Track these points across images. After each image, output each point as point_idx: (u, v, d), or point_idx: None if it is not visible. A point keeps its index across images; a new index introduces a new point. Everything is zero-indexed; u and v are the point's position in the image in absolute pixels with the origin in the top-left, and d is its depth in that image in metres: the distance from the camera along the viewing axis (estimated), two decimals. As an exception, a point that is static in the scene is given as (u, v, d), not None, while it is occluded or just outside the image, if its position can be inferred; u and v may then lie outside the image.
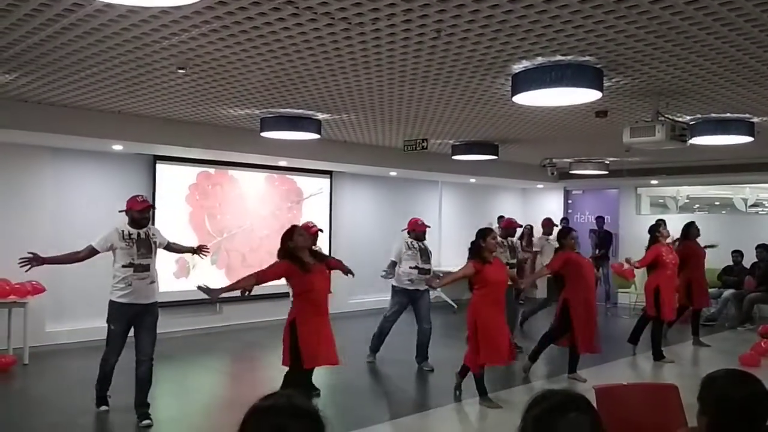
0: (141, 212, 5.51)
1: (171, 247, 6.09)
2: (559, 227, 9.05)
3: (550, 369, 7.45)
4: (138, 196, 5.70)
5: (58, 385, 6.71)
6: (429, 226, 7.85)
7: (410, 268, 7.50)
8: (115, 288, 5.46)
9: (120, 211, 5.63)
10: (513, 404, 5.81)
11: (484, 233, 6.06)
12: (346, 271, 5.94)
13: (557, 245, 7.42)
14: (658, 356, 8.06)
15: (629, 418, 3.26)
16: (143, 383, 5.49)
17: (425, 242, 7.72)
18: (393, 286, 7.72)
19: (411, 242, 7.62)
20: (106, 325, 5.56)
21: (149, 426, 5.35)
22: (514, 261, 8.53)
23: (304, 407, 1.58)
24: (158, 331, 5.66)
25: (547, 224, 10.65)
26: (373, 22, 3.94)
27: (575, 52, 4.57)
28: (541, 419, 1.66)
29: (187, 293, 9.61)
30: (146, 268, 5.47)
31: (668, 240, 8.59)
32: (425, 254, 7.61)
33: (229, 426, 1.61)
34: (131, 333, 5.59)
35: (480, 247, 5.98)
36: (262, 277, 5.09)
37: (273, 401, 1.60)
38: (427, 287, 7.41)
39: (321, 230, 6.93)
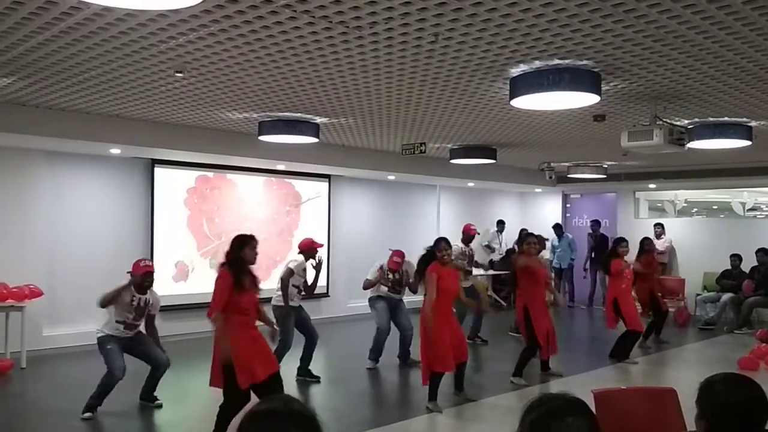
0: (143, 276, 5.78)
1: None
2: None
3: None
4: (141, 260, 6.02)
5: (56, 389, 6.68)
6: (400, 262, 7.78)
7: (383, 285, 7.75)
8: (105, 327, 5.86)
9: (127, 272, 5.87)
10: (510, 409, 5.80)
11: (438, 243, 6.11)
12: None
13: None
14: (620, 356, 8.08)
15: (627, 422, 3.26)
16: (154, 382, 6.02)
17: (403, 271, 7.70)
18: (369, 298, 7.86)
19: (387, 270, 7.71)
20: (101, 353, 5.84)
21: (161, 406, 6.00)
22: (471, 269, 9.04)
23: (301, 412, 1.57)
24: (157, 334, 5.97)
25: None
26: (371, 26, 3.95)
27: (573, 56, 4.57)
28: (539, 424, 1.65)
29: (186, 297, 9.61)
30: (135, 327, 5.91)
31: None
32: (398, 284, 7.71)
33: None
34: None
35: (435, 255, 6.03)
36: (216, 306, 4.80)
37: (270, 406, 1.60)
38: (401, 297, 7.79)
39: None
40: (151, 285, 5.91)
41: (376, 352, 7.74)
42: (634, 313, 8.19)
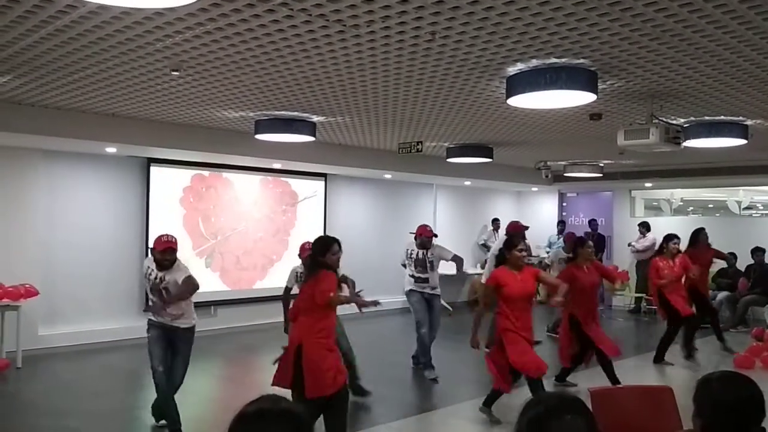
0: (162, 252, 5.20)
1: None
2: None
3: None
4: (163, 236, 5.32)
5: (51, 389, 6.66)
6: (436, 235, 7.72)
7: (409, 275, 7.55)
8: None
9: (151, 249, 5.43)
10: (508, 407, 5.80)
11: (511, 243, 5.63)
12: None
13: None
14: (659, 358, 8.04)
15: (624, 421, 3.26)
16: (161, 403, 5.32)
17: (430, 251, 7.47)
18: (405, 292, 7.63)
19: (410, 250, 7.58)
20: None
21: None
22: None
23: (290, 411, 1.58)
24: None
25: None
26: (368, 24, 3.94)
27: (570, 55, 4.57)
28: (536, 422, 1.65)
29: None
30: (162, 311, 5.27)
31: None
32: (421, 264, 7.46)
33: (223, 430, 1.60)
34: None
35: (504, 258, 5.63)
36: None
37: (258, 406, 1.60)
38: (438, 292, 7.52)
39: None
40: (171, 264, 5.22)
41: (425, 354, 7.32)
42: (682, 299, 8.04)
